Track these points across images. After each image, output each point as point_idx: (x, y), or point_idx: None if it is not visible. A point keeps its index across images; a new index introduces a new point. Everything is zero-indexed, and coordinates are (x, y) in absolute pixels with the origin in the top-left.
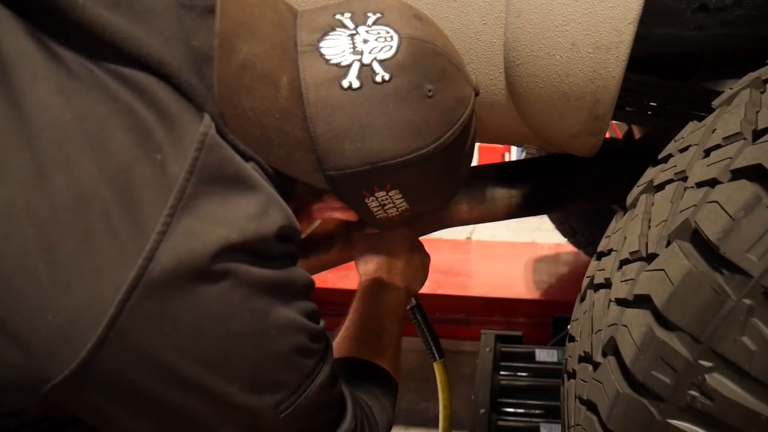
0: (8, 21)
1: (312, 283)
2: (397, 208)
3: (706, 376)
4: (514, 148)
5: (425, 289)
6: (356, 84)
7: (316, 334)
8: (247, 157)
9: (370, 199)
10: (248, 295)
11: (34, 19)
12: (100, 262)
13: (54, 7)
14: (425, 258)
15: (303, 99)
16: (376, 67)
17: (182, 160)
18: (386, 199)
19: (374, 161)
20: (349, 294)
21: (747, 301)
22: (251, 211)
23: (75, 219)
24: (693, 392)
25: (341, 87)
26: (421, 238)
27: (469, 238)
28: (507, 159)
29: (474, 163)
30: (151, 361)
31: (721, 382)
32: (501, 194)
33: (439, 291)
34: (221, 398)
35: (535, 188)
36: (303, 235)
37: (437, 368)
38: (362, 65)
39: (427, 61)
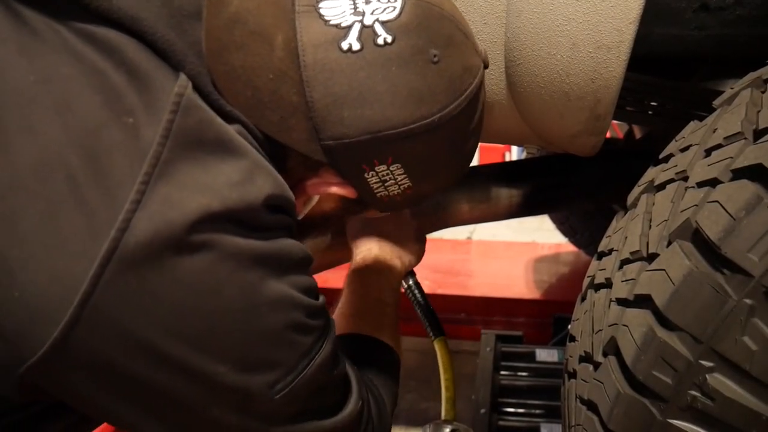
0: None
1: (309, 256)
2: (399, 186)
3: (707, 376)
4: (514, 148)
5: (426, 289)
6: (356, 46)
7: (315, 310)
8: (232, 119)
9: (370, 173)
10: (236, 268)
11: None
12: (67, 233)
13: None
14: (419, 232)
15: (299, 61)
16: (378, 28)
17: (156, 123)
18: (387, 174)
19: (374, 130)
20: None
21: (748, 301)
22: (235, 178)
23: (39, 187)
24: (694, 392)
25: (340, 49)
26: None
27: (469, 238)
28: (507, 159)
29: (474, 163)
30: (132, 339)
31: (721, 382)
32: (502, 194)
33: (440, 291)
34: (209, 379)
35: (535, 188)
36: (300, 216)
37: (438, 346)
38: (363, 26)
39: (432, 24)
